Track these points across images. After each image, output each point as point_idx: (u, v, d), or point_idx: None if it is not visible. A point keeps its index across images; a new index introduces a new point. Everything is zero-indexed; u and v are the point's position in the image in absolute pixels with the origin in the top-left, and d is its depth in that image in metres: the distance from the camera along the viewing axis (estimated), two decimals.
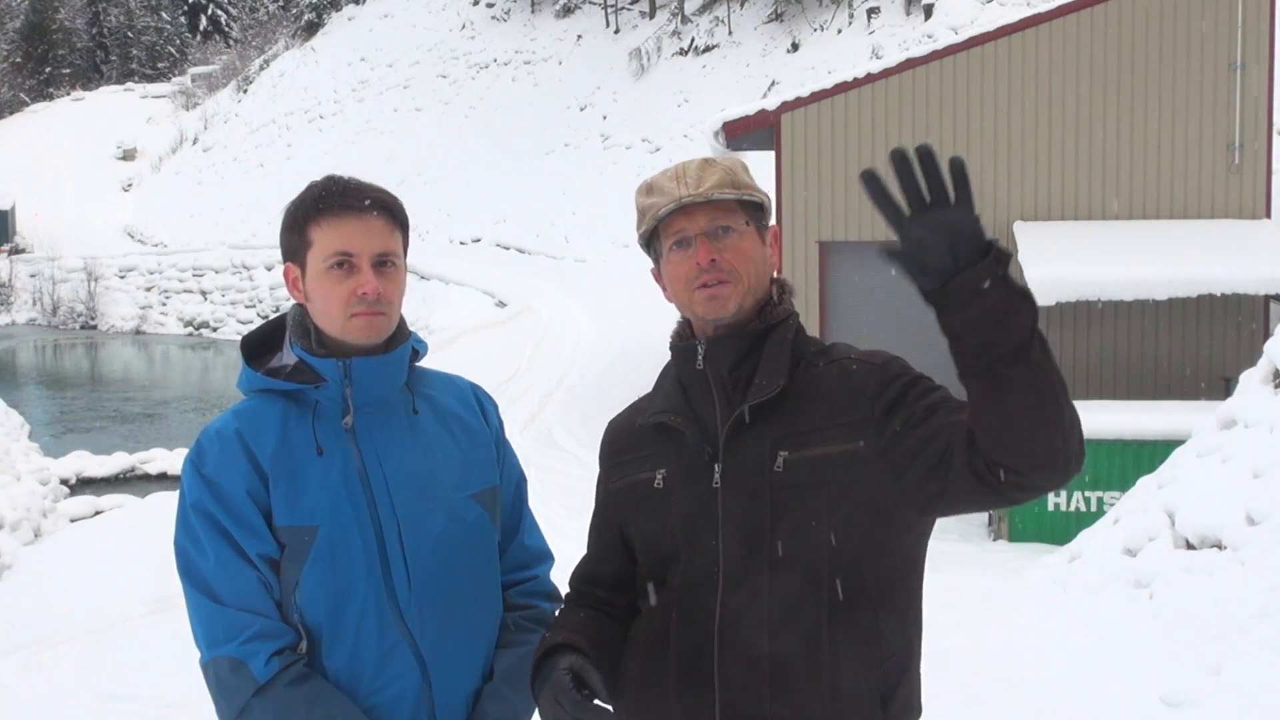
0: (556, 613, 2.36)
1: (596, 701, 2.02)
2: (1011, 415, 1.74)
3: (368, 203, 2.16)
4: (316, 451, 2.14)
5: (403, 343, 2.23)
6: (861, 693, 1.97)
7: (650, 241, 2.14)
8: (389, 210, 2.19)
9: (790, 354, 2.06)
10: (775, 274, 2.16)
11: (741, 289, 2.06)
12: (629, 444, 2.19)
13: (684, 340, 2.13)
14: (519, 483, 2.41)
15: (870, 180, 1.64)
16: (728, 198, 2.06)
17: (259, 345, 2.28)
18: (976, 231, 1.67)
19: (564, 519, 9.68)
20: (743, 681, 1.98)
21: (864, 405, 1.99)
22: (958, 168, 1.63)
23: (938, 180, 1.63)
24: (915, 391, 1.98)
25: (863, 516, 1.98)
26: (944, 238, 1.65)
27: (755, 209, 2.11)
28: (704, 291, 2.05)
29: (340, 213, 2.15)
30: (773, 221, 2.18)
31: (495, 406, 2.42)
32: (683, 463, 2.08)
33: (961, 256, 1.67)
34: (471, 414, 2.34)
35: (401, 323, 2.25)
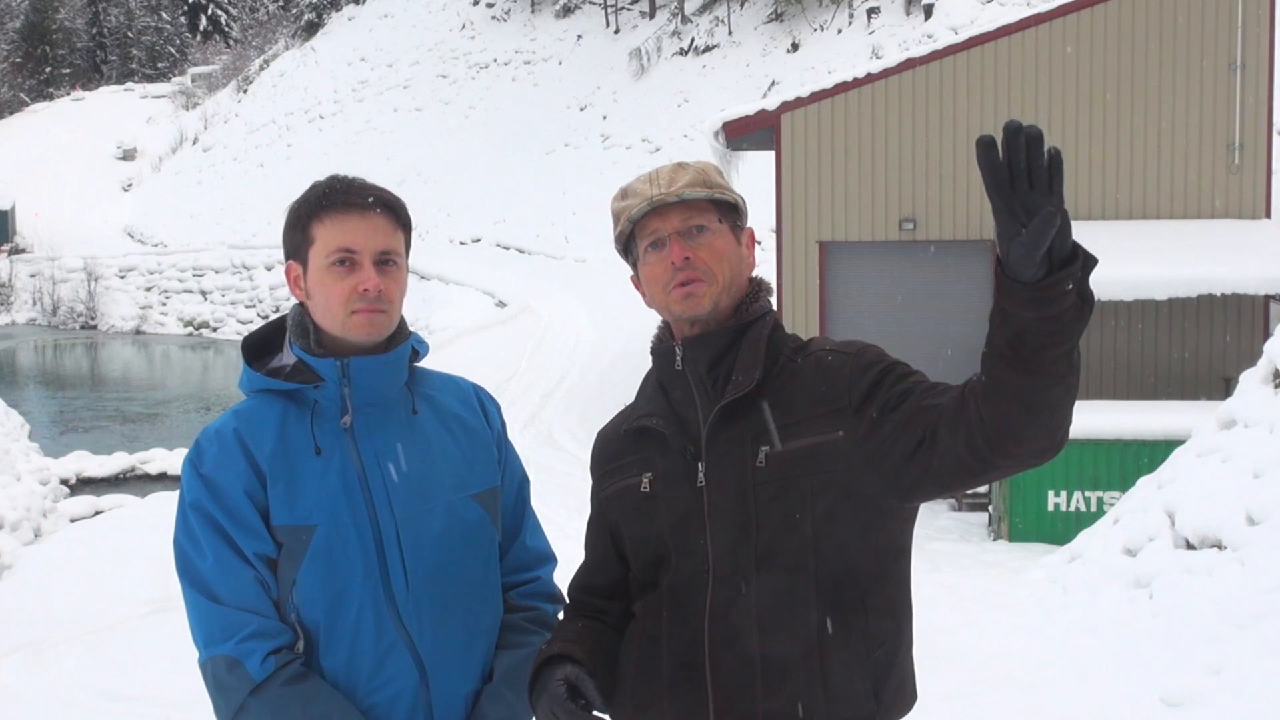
0: (559, 614, 2.36)
1: (594, 712, 2.03)
2: (1040, 406, 1.77)
3: (371, 200, 2.17)
4: (315, 451, 2.14)
5: (403, 342, 2.23)
6: (853, 683, 1.98)
7: (628, 247, 2.17)
8: (392, 209, 2.20)
9: (767, 350, 2.07)
10: (751, 274, 2.18)
11: (716, 287, 2.08)
12: (616, 451, 2.20)
13: (663, 343, 2.15)
14: (521, 484, 2.40)
15: (987, 148, 1.62)
16: (699, 196, 2.08)
17: (260, 346, 2.28)
18: (1068, 229, 1.67)
19: (564, 519, 9.69)
20: (735, 678, 1.99)
21: (840, 394, 2.01)
22: (1056, 157, 1.62)
23: (1040, 165, 1.62)
24: (891, 377, 2.00)
25: (846, 506, 1.99)
26: (1043, 227, 1.63)
27: (729, 209, 2.13)
28: (679, 290, 2.07)
29: (344, 210, 2.15)
30: (749, 223, 2.19)
31: (498, 407, 2.41)
32: (668, 465, 2.09)
33: (1055, 253, 1.67)
34: (473, 414, 2.33)
35: (402, 323, 2.25)
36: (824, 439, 1.99)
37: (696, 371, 2.09)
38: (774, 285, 13.80)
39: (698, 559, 2.03)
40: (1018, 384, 1.75)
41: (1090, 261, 1.69)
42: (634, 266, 2.17)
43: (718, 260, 2.08)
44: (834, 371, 2.03)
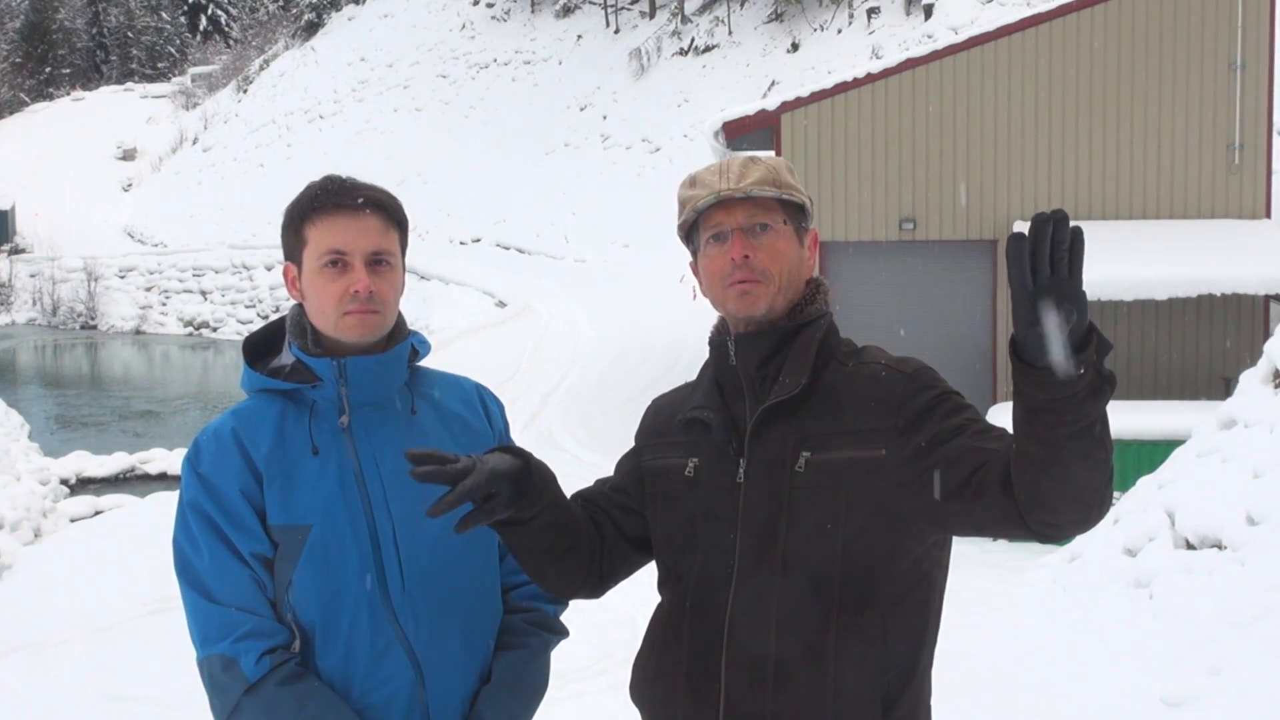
0: (559, 616, 2.36)
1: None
2: (1063, 479, 1.78)
3: (361, 201, 2.17)
4: (312, 451, 2.14)
5: (401, 342, 2.23)
6: (863, 697, 1.97)
7: (690, 234, 2.17)
8: (384, 209, 2.20)
9: (817, 353, 2.07)
10: (810, 275, 2.17)
11: (773, 289, 2.08)
12: (668, 427, 2.20)
13: (720, 336, 2.16)
14: None
15: (1017, 243, 1.65)
16: (767, 195, 2.08)
17: (261, 346, 2.28)
18: (1085, 314, 1.67)
19: None
20: (746, 678, 2.00)
21: (889, 413, 2.00)
22: (1078, 237, 1.63)
23: (1063, 248, 1.63)
24: (944, 408, 1.99)
25: (877, 523, 1.99)
26: (1060, 327, 1.65)
27: (795, 210, 2.12)
28: (736, 287, 2.07)
29: (334, 211, 2.15)
30: (814, 224, 2.19)
31: (501, 407, 2.41)
32: (713, 456, 2.10)
33: (1072, 335, 1.67)
34: (474, 414, 2.33)
35: (401, 322, 2.25)
36: (866, 454, 1.99)
37: (746, 369, 2.09)
38: None
39: (724, 555, 2.04)
40: (1037, 455, 1.77)
41: (1104, 346, 1.69)
42: (694, 255, 2.18)
43: (777, 261, 2.07)
44: (886, 387, 2.02)
